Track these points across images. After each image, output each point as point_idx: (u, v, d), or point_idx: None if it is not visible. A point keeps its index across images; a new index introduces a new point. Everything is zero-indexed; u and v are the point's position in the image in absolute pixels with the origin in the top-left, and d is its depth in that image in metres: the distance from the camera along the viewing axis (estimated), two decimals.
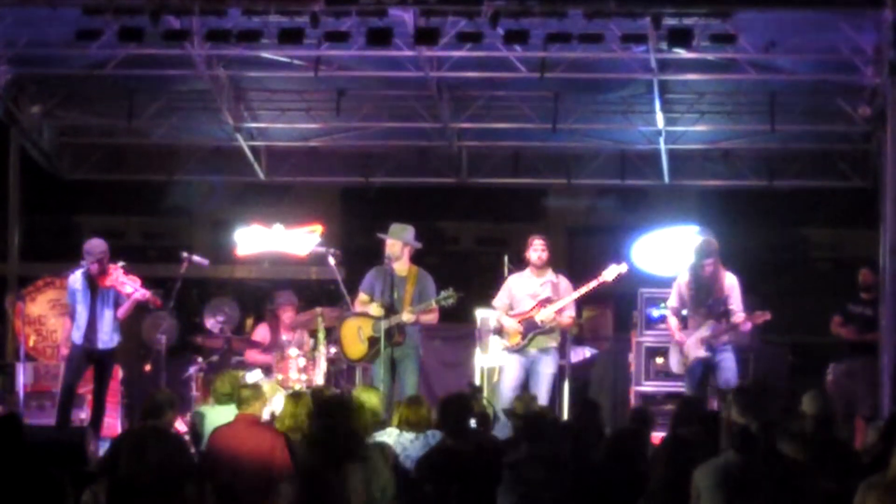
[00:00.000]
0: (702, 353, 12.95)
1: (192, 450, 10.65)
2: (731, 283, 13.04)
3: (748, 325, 13.04)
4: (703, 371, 13.00)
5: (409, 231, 12.88)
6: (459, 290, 12.59)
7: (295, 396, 10.47)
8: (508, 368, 13.23)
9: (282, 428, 9.96)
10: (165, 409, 9.68)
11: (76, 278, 13.10)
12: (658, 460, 7.95)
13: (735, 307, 12.96)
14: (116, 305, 13.05)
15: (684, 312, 13.25)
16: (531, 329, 13.06)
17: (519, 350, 13.10)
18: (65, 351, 13.34)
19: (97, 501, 8.03)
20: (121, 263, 13.17)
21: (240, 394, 10.00)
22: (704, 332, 12.94)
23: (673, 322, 13.24)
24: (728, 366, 12.91)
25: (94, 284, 12.99)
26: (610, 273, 13.13)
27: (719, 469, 7.30)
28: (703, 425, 8.54)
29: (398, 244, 12.77)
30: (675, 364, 13.27)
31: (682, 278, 13.24)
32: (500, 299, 13.35)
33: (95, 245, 13.09)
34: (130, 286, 13.02)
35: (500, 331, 13.33)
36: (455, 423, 9.16)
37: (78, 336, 13.00)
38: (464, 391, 10.84)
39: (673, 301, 13.29)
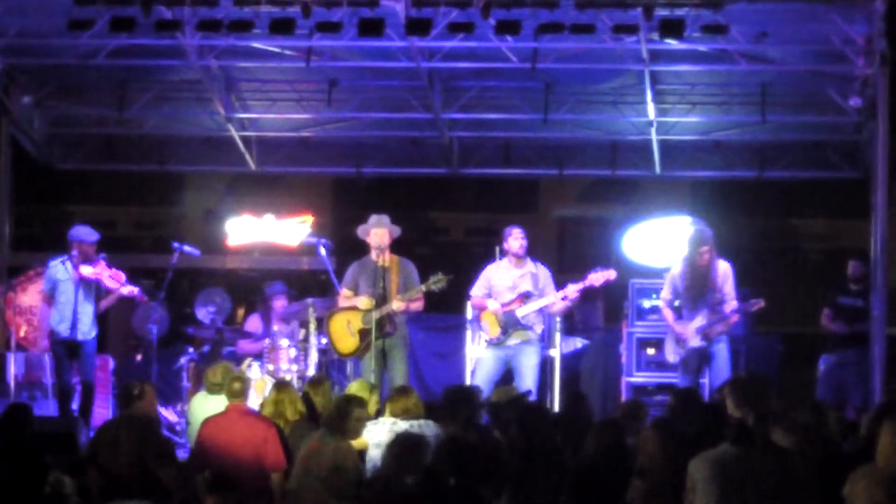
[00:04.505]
0: (697, 342, 12.95)
1: (184, 439, 10.68)
2: (724, 270, 13.03)
3: (735, 317, 13.06)
4: (698, 362, 13.01)
5: (388, 218, 12.88)
6: (448, 274, 12.58)
7: (280, 385, 10.55)
8: (485, 362, 13.13)
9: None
10: (135, 399, 9.85)
11: (58, 268, 13.05)
12: (648, 440, 7.89)
13: (728, 295, 12.96)
14: (98, 298, 13.00)
15: (677, 303, 13.24)
16: (511, 323, 13.01)
17: (498, 343, 13.04)
18: (46, 342, 13.28)
19: (60, 483, 8.08)
20: (102, 256, 13.13)
21: (231, 385, 10.01)
22: (700, 322, 12.95)
23: (668, 314, 13.21)
24: (721, 357, 12.92)
25: (76, 274, 12.94)
26: (597, 278, 13.08)
27: (716, 461, 7.30)
28: (702, 416, 8.52)
29: (386, 233, 12.77)
30: (670, 353, 13.26)
31: (676, 269, 13.23)
32: (479, 289, 13.26)
33: (84, 233, 13.04)
34: (116, 281, 12.98)
35: (478, 321, 13.25)
36: (464, 414, 9.18)
37: (64, 328, 12.96)
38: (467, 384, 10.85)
39: (666, 293, 13.27)
